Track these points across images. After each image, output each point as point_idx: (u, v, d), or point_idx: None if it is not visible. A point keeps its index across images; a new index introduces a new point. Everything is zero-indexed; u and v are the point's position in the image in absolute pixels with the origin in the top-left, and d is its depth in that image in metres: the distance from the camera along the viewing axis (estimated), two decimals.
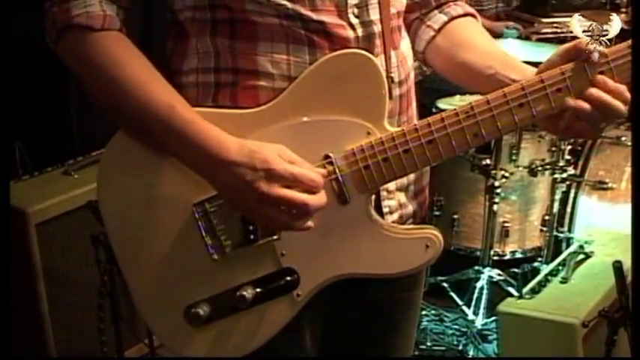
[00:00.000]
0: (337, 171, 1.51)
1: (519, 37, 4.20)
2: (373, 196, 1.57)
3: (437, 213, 3.78)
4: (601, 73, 1.49)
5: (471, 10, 1.78)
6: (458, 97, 3.66)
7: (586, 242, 3.07)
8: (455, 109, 1.51)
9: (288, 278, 1.53)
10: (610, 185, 3.68)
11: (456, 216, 3.78)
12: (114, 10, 1.51)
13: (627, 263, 2.45)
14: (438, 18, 1.74)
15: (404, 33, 1.69)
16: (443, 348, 3.58)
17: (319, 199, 1.46)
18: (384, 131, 1.52)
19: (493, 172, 3.51)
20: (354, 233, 1.54)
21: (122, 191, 1.56)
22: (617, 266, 2.36)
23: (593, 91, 1.48)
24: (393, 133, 1.51)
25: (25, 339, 2.83)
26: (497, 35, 4.44)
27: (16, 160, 3.04)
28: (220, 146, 1.46)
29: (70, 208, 2.91)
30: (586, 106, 1.48)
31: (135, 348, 3.07)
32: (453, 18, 1.74)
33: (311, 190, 1.45)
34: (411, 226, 1.62)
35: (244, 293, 1.51)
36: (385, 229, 1.55)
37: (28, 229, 2.79)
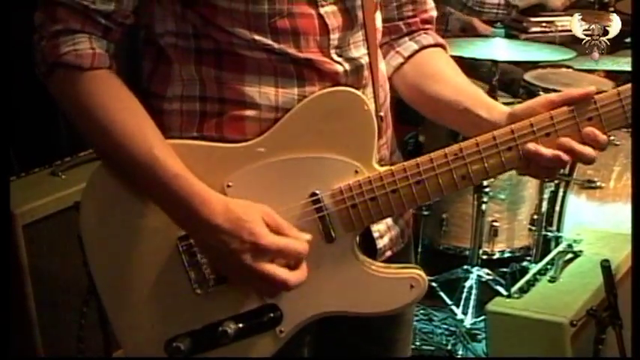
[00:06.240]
0: (324, 209, 1.50)
1: (507, 36, 4.19)
2: None
3: (425, 212, 3.78)
4: (589, 119, 1.48)
5: (441, 40, 1.77)
6: None
7: (574, 241, 3.07)
8: (444, 151, 1.50)
9: (272, 315, 1.52)
10: (598, 184, 3.68)
11: (444, 215, 3.78)
12: (104, 46, 1.48)
13: (615, 262, 2.46)
14: (408, 45, 1.73)
15: (380, 57, 1.67)
16: (432, 347, 3.59)
17: (300, 275, 1.47)
18: (373, 170, 1.51)
19: None
20: (340, 271, 1.53)
21: (105, 223, 1.55)
22: (606, 265, 2.37)
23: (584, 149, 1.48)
24: (381, 173, 1.50)
25: (12, 339, 2.82)
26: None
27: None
28: (204, 204, 1.44)
29: (58, 209, 2.88)
30: (566, 157, 1.48)
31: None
32: (423, 47, 1.73)
33: (295, 261, 1.46)
34: (397, 265, 1.59)
35: (226, 328, 1.50)
36: (370, 269, 1.55)
37: (15, 230, 2.76)
